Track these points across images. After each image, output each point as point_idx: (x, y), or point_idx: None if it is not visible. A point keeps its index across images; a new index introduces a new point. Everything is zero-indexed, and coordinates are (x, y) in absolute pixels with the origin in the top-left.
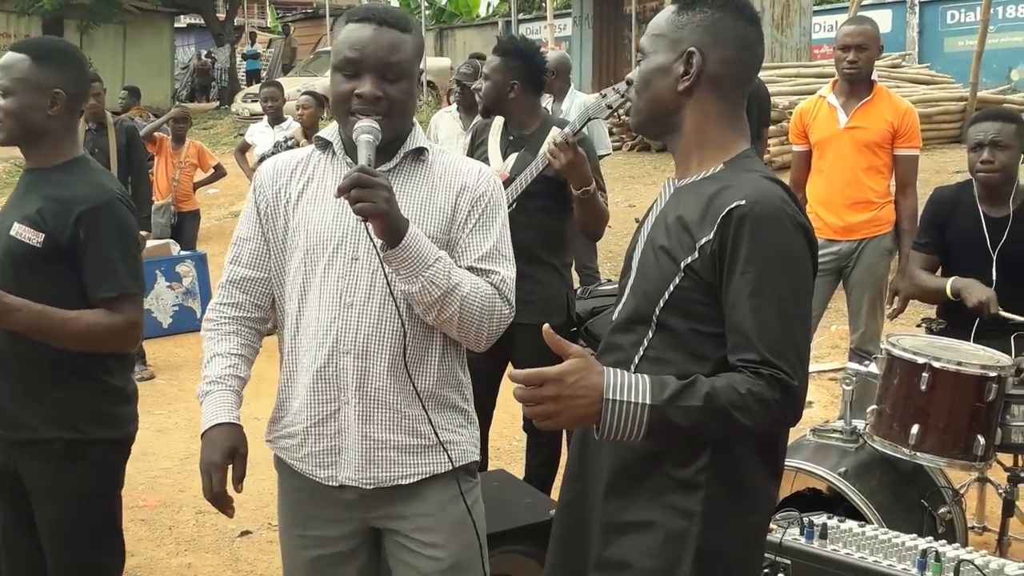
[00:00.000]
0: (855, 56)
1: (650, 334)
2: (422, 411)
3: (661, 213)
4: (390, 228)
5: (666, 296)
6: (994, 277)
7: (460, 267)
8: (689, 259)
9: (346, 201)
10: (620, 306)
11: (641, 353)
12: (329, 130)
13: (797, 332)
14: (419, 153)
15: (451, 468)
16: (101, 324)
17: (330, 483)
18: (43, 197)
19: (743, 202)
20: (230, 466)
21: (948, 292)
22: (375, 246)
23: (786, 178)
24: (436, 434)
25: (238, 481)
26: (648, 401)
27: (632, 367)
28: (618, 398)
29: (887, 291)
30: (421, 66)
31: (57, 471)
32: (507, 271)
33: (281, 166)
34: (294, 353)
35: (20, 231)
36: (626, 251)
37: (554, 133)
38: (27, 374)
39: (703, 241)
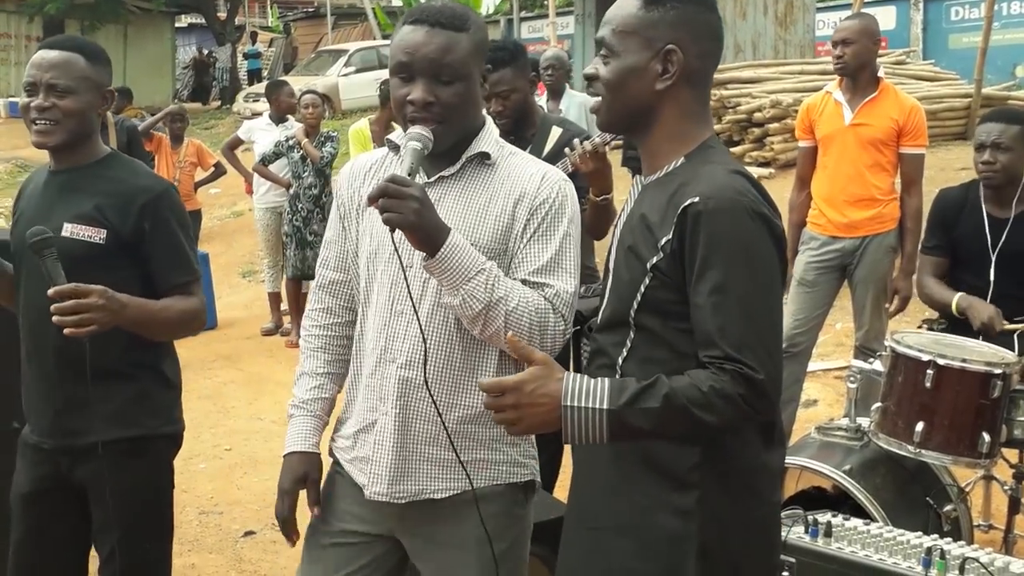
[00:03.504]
0: (840, 51)
1: (631, 335)
2: (468, 426)
3: (630, 212)
4: (422, 239)
5: (639, 298)
6: (992, 278)
7: (515, 279)
8: (654, 259)
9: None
10: (603, 307)
11: (625, 354)
12: (399, 133)
13: (763, 323)
14: (484, 157)
15: (495, 484)
16: (187, 309)
17: (367, 494)
18: (96, 193)
19: (696, 199)
20: (302, 491)
21: (954, 309)
22: (398, 256)
23: (792, 174)
24: (456, 453)
25: (313, 505)
26: (605, 406)
27: (618, 370)
28: (575, 404)
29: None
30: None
31: (120, 470)
32: (563, 284)
33: (357, 169)
34: (355, 357)
35: (76, 231)
36: (607, 249)
37: (565, 140)
38: (82, 378)
39: (663, 241)
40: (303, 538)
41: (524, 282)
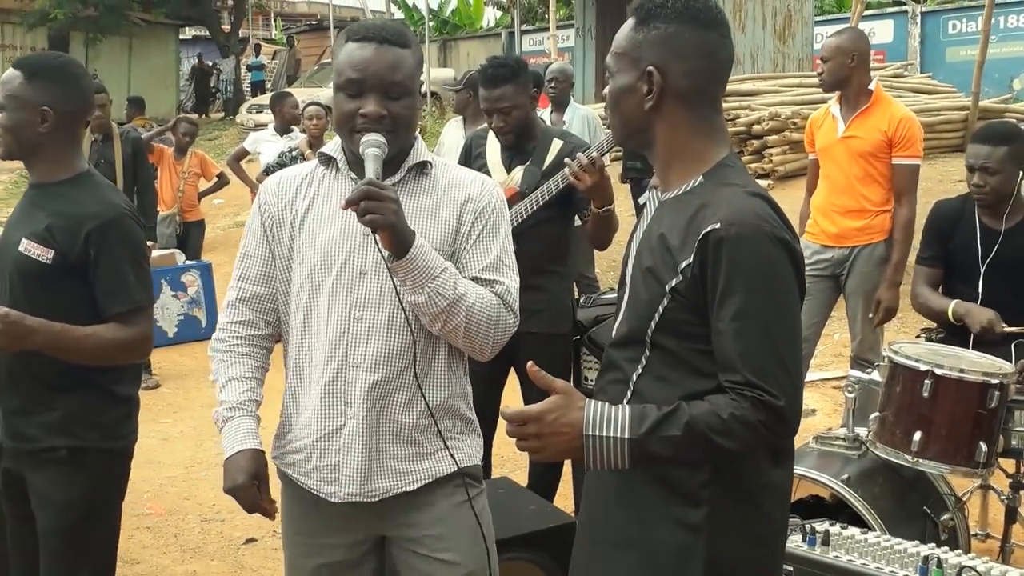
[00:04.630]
0: (821, 68)
1: (647, 352)
2: (427, 420)
3: (647, 230)
4: (398, 240)
5: (656, 318)
6: (980, 289)
7: (464, 277)
8: (674, 282)
9: (353, 215)
10: (617, 322)
11: (640, 371)
12: (332, 146)
13: (783, 350)
14: (422, 167)
15: (455, 470)
16: (116, 339)
17: (332, 499)
18: (51, 213)
19: (718, 225)
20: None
21: (950, 316)
22: (384, 258)
23: (796, 187)
24: (443, 439)
25: (266, 499)
26: (626, 436)
27: (631, 385)
28: (596, 433)
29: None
30: (422, 78)
31: (57, 478)
32: (511, 281)
33: (286, 183)
34: (300, 368)
35: (29, 247)
36: (621, 261)
37: (566, 152)
38: (36, 387)
39: (684, 265)
40: (286, 562)
41: (475, 279)
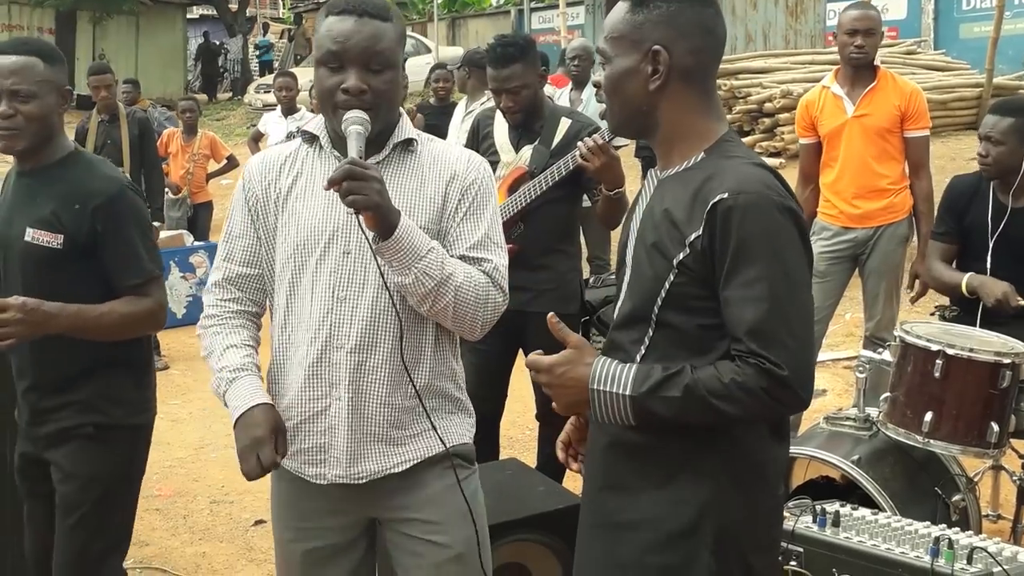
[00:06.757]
0: (863, 41)
1: (651, 332)
2: (413, 401)
3: (648, 208)
4: (382, 220)
5: (663, 294)
6: (988, 265)
7: (452, 256)
8: (681, 255)
9: (337, 195)
10: (619, 303)
11: (643, 352)
12: (315, 124)
13: (793, 319)
14: (408, 144)
15: (443, 450)
16: (134, 312)
17: (318, 481)
18: (53, 197)
19: (726, 195)
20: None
21: (964, 289)
22: (367, 239)
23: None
24: (431, 419)
25: (283, 455)
26: (628, 392)
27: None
28: (601, 388)
29: (903, 278)
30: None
31: (82, 453)
32: (499, 259)
33: (269, 161)
34: (284, 348)
35: (37, 236)
36: (619, 244)
37: (574, 131)
38: (60, 371)
39: (692, 237)
40: (276, 548)
41: (462, 258)
